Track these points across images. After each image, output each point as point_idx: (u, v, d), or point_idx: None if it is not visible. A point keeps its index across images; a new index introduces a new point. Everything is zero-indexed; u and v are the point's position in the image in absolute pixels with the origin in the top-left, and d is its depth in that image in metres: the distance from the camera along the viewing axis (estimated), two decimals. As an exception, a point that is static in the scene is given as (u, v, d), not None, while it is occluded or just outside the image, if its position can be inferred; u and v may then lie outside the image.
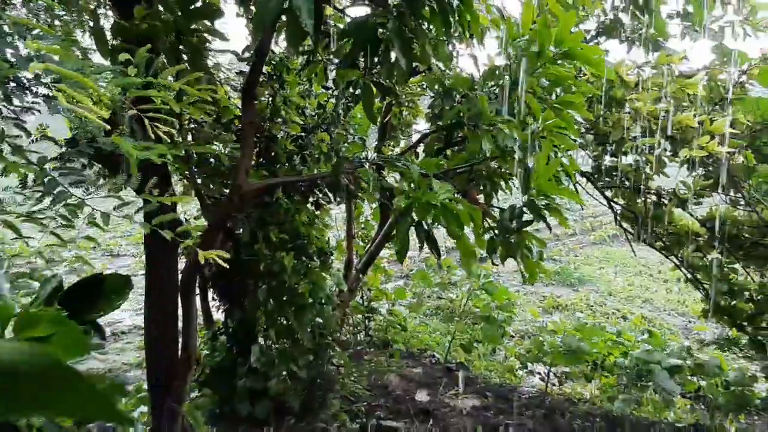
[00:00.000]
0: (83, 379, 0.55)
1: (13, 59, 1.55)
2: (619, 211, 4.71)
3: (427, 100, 5.11)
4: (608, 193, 4.67)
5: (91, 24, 2.52)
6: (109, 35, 2.55)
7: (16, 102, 1.59)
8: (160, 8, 2.38)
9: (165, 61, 2.61)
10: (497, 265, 3.75)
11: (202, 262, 1.63)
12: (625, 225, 4.77)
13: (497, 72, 2.80)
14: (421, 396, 5.91)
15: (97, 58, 2.92)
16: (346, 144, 4.58)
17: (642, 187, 4.24)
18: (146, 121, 1.44)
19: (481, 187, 3.27)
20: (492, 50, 3.62)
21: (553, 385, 6.30)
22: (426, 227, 2.55)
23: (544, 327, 7.17)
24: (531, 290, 12.98)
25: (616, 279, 14.55)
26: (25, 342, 1.08)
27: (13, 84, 1.57)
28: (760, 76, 4.62)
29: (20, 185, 1.66)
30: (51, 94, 1.45)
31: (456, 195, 2.79)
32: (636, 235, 4.58)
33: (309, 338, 4.40)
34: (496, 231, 3.38)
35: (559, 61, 2.50)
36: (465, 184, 3.19)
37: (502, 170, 3.20)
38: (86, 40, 2.85)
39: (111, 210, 1.61)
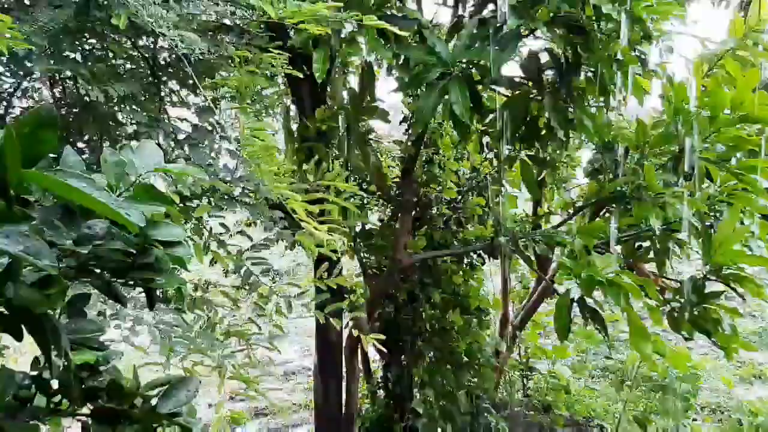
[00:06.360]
0: None
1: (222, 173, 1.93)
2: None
3: (585, 151, 4.88)
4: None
5: (281, 121, 2.98)
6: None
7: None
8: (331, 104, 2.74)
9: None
10: (690, 339, 3.33)
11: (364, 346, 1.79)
12: None
13: (665, 136, 2.62)
14: (588, 472, 5.39)
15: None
16: (499, 202, 4.59)
17: None
18: (314, 223, 1.66)
19: (649, 255, 3.01)
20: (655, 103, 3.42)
21: (758, 477, 5.26)
22: (590, 304, 2.43)
23: (743, 406, 6.08)
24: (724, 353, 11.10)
25: (843, 344, 11.73)
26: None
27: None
28: None
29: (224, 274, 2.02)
30: (252, 202, 1.78)
31: (622, 267, 2.63)
32: None
33: (466, 399, 4.37)
34: (673, 304, 3.05)
35: (738, 126, 2.26)
36: (631, 253, 2.97)
37: (675, 236, 2.92)
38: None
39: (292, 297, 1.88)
